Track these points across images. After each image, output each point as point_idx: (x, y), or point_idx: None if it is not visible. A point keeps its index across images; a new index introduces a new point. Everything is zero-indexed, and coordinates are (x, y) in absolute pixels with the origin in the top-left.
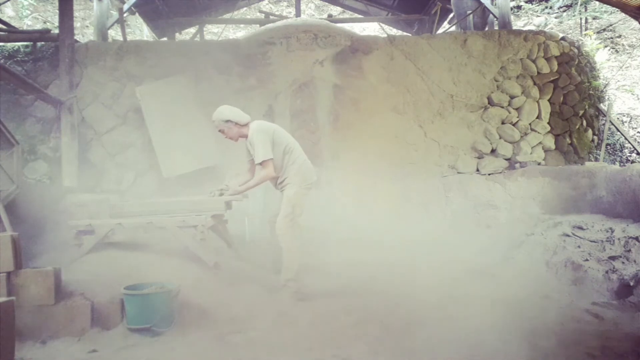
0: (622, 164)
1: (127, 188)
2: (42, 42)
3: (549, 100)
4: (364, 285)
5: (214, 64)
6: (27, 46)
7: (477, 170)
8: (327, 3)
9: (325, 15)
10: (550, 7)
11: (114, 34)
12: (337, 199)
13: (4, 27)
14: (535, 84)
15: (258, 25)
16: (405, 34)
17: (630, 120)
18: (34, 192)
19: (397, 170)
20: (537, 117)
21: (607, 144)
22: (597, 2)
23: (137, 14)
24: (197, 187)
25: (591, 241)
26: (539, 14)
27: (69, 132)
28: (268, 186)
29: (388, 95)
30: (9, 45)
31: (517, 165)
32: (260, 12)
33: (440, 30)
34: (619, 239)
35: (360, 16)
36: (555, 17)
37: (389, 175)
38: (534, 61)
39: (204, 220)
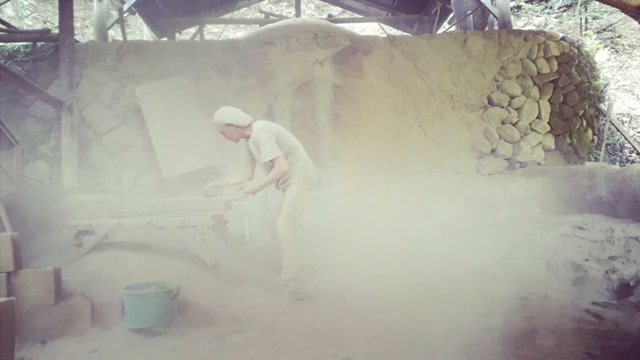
0: (622, 164)
1: (127, 188)
2: (42, 42)
3: (549, 100)
4: (364, 285)
5: (214, 64)
6: (27, 46)
7: (477, 170)
8: (327, 3)
9: (325, 15)
10: (550, 7)
11: (114, 34)
12: (337, 199)
13: (4, 27)
14: (535, 84)
15: (258, 25)
16: (405, 34)
17: (630, 120)
18: (34, 192)
19: (397, 170)
20: (537, 117)
21: (607, 144)
22: (597, 2)
23: (137, 14)
24: (197, 187)
25: (591, 241)
26: (539, 14)
27: (69, 132)
28: (267, 187)
29: (388, 95)
30: (9, 45)
31: (517, 165)
32: (260, 12)
33: (440, 30)
34: (619, 239)
35: (360, 16)
36: (555, 17)
37: (389, 176)
38: (534, 61)
39: (204, 220)
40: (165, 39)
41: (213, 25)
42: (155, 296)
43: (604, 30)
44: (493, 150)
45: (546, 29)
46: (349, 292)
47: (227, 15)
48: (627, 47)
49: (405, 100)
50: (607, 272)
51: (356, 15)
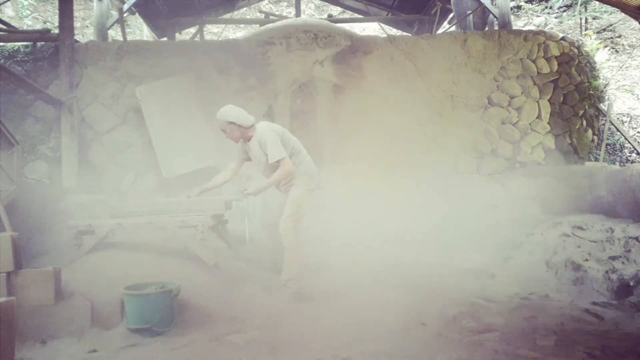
0: (622, 164)
1: (127, 188)
2: (42, 42)
3: (549, 100)
4: (364, 285)
5: (214, 64)
6: (27, 46)
7: (477, 170)
8: (327, 3)
9: (325, 15)
10: (550, 7)
11: (114, 34)
12: (337, 199)
13: (4, 27)
14: (535, 84)
15: (258, 25)
16: (405, 34)
17: (630, 120)
18: (34, 192)
19: (397, 170)
20: (537, 117)
21: (607, 144)
22: (597, 2)
23: (137, 14)
24: (197, 187)
25: (591, 241)
26: (539, 14)
27: (69, 132)
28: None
29: (388, 95)
30: (9, 45)
31: (517, 165)
32: (260, 12)
33: (440, 30)
34: (619, 239)
35: (360, 16)
36: (555, 17)
37: (388, 176)
38: (534, 61)
39: (204, 220)
40: (165, 39)
41: (213, 25)
42: (155, 296)
43: (604, 30)
44: (493, 151)
45: (546, 29)
46: (349, 292)
47: (227, 15)
48: (627, 47)
49: (405, 100)
50: (607, 272)
51: (356, 15)
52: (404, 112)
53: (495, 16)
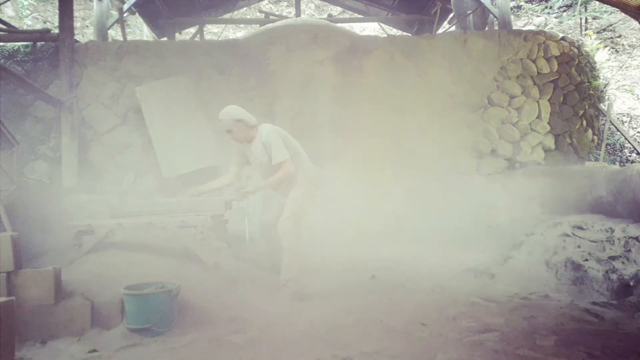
0: (622, 164)
1: (127, 188)
2: (42, 42)
3: (549, 100)
4: (364, 285)
5: (214, 64)
6: (27, 46)
7: (477, 170)
8: (327, 3)
9: (325, 15)
10: (550, 7)
11: (114, 34)
12: (337, 199)
13: (4, 27)
14: (535, 84)
15: (258, 25)
16: (405, 34)
17: (630, 120)
18: (34, 192)
19: (397, 170)
20: (537, 117)
21: (607, 144)
22: (597, 2)
23: (137, 14)
24: (193, 187)
25: (591, 241)
26: (539, 14)
27: (69, 132)
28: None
29: (388, 95)
30: (9, 45)
31: (517, 165)
32: (260, 12)
33: (440, 30)
34: (619, 239)
35: (360, 16)
36: (555, 17)
37: (388, 176)
38: (534, 61)
39: (204, 220)
40: (165, 39)
41: (213, 25)
42: (155, 296)
43: (604, 30)
44: (493, 151)
45: (546, 29)
46: (349, 292)
47: (227, 15)
48: (627, 47)
49: (405, 100)
50: (607, 272)
51: (356, 15)
52: (404, 112)
53: (495, 16)
